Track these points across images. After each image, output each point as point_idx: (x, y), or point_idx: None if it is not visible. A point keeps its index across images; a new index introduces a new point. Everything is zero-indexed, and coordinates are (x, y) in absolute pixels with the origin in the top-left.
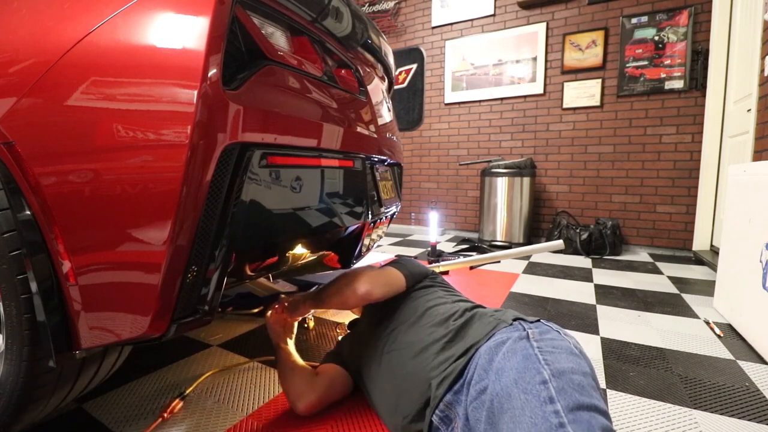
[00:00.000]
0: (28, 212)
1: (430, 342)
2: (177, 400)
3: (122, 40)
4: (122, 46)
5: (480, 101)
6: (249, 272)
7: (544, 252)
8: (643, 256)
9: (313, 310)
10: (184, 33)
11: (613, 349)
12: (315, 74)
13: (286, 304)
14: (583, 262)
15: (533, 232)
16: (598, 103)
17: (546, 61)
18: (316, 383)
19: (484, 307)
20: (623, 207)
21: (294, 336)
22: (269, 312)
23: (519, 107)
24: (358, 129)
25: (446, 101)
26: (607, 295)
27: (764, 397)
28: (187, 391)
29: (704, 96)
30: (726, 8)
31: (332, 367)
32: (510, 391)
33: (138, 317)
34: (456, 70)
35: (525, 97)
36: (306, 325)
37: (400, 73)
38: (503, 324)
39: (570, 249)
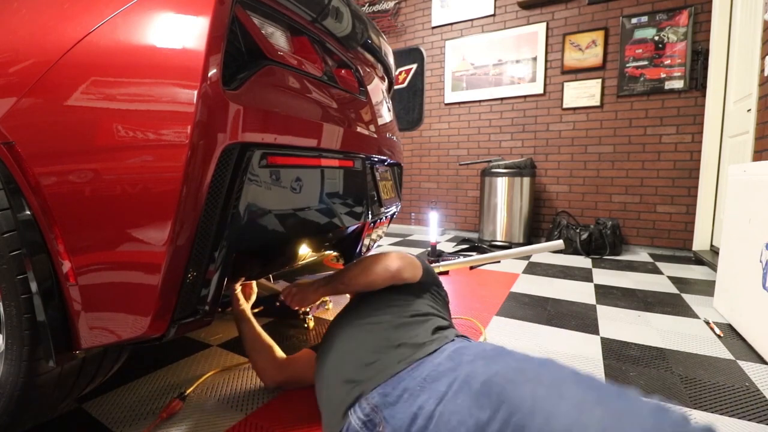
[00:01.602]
0: (28, 212)
1: (382, 323)
2: (177, 400)
3: (122, 40)
4: (122, 46)
5: (480, 101)
6: (249, 273)
7: (544, 252)
8: (643, 256)
9: (325, 298)
10: (184, 33)
11: (613, 349)
12: (315, 74)
13: (294, 290)
14: (583, 262)
15: (533, 232)
16: (598, 103)
17: (546, 61)
18: (285, 364)
19: (451, 326)
20: (623, 207)
21: (252, 301)
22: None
23: (519, 107)
24: (358, 129)
25: (446, 101)
26: (607, 295)
27: (764, 397)
28: (187, 391)
29: (704, 96)
30: (726, 8)
31: (309, 352)
32: (516, 365)
33: (138, 317)
34: (456, 70)
35: (525, 97)
36: (306, 325)
37: (400, 73)
38: (447, 340)
39: (570, 249)
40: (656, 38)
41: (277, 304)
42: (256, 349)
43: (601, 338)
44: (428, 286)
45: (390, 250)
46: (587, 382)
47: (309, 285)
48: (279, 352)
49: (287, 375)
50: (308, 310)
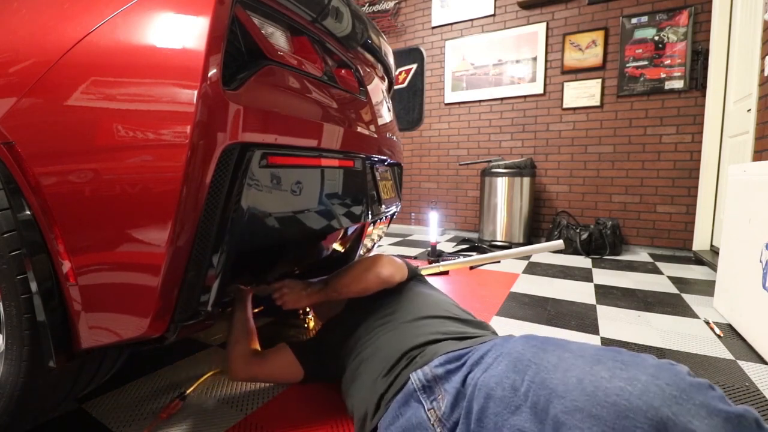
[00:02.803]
0: (28, 212)
1: (431, 315)
2: (177, 400)
3: (122, 40)
4: (122, 46)
5: (480, 101)
6: (250, 274)
7: (544, 252)
8: (643, 256)
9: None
10: (184, 33)
11: None
12: (315, 74)
13: (285, 290)
14: (583, 262)
15: (533, 232)
16: (598, 103)
17: (546, 61)
18: (257, 359)
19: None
20: (623, 207)
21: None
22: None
23: (519, 107)
24: (358, 129)
25: (446, 101)
26: (607, 295)
27: (764, 397)
28: (188, 392)
29: (704, 96)
30: (726, 8)
31: (283, 354)
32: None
33: (138, 318)
34: (456, 70)
35: (525, 97)
36: (306, 325)
37: (400, 73)
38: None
39: (570, 249)
40: (656, 38)
41: (256, 310)
42: (238, 335)
43: (602, 338)
44: (419, 277)
45: (377, 254)
46: (608, 348)
47: (302, 289)
48: (256, 345)
49: (256, 371)
50: (308, 309)
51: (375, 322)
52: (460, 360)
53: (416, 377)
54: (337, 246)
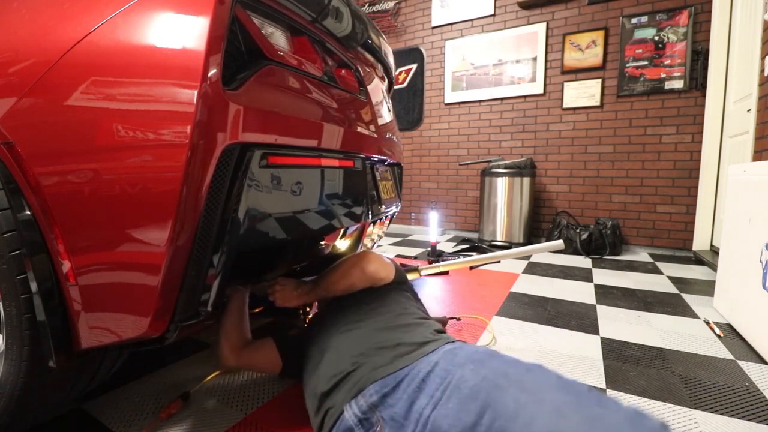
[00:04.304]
0: (28, 212)
1: (387, 326)
2: (177, 400)
3: (122, 40)
4: (122, 46)
5: (480, 101)
6: (250, 274)
7: (544, 252)
8: (643, 256)
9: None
10: (184, 33)
11: (613, 349)
12: (315, 74)
13: (277, 287)
14: (583, 262)
15: (533, 232)
16: (598, 103)
17: (546, 61)
18: (245, 350)
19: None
20: (623, 207)
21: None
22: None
23: (519, 107)
24: (358, 129)
25: (446, 101)
26: (607, 295)
27: (764, 397)
28: (190, 392)
29: (704, 96)
30: (726, 8)
31: (268, 347)
32: (504, 369)
33: (138, 317)
34: (456, 70)
35: (525, 97)
36: (306, 324)
37: (400, 73)
38: (444, 341)
39: (570, 249)
40: (656, 38)
41: (257, 310)
42: (231, 326)
43: (601, 338)
44: (402, 285)
45: (364, 250)
46: (569, 388)
47: (293, 288)
48: (248, 336)
49: (244, 361)
50: (308, 309)
51: (334, 325)
52: (395, 381)
53: (351, 411)
54: (336, 246)
